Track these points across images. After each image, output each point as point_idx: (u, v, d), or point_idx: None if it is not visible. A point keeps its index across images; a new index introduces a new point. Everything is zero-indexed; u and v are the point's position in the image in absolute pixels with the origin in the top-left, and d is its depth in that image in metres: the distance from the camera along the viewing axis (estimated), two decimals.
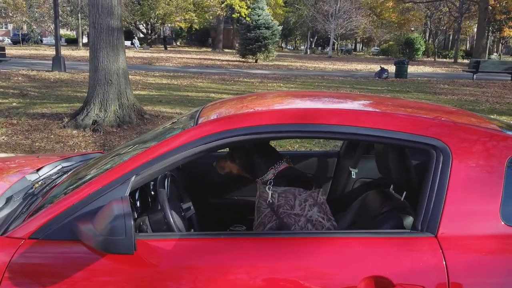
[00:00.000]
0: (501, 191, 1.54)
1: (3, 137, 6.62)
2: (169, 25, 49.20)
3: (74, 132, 6.99)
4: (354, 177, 2.81)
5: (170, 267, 1.44)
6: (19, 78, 13.90)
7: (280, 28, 27.29)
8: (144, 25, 47.76)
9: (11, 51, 27.00)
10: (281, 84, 15.08)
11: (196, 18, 40.55)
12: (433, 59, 39.50)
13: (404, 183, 1.89)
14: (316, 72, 21.40)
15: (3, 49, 16.18)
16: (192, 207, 2.17)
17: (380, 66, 19.45)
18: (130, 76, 15.13)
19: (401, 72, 18.36)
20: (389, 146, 1.87)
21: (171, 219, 1.77)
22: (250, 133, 1.62)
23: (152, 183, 2.08)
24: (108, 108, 7.32)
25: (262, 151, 2.21)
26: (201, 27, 47.51)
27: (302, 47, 53.05)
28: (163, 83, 14.25)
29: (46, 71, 15.90)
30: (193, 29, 45.27)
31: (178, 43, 53.61)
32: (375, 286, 1.44)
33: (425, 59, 38.81)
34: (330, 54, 41.13)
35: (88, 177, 1.75)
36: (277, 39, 27.18)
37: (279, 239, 1.55)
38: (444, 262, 1.45)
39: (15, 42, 44.38)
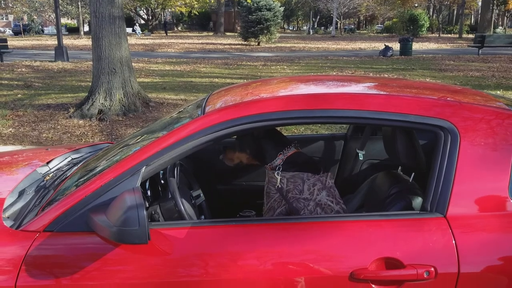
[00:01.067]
0: (510, 169, 1.54)
1: (10, 129, 6.67)
2: (169, 10, 48.82)
3: (80, 122, 7.03)
4: (362, 159, 2.82)
5: (182, 255, 1.47)
6: (23, 70, 13.92)
7: (282, 9, 27.01)
8: (145, 11, 47.44)
9: (13, 42, 26.96)
10: (285, 66, 15.00)
11: (196, 2, 40.18)
12: (437, 35, 39.03)
13: (412, 164, 1.90)
14: (319, 52, 21.24)
15: (5, 40, 16.16)
16: (201, 195, 2.19)
17: (385, 44, 19.26)
18: (133, 64, 15.10)
19: (406, 49, 18.18)
20: (396, 128, 1.88)
21: (182, 207, 1.79)
22: (257, 121, 1.63)
23: (162, 172, 2.10)
24: (113, 97, 7.33)
25: (270, 137, 2.22)
26: (202, 11, 47.13)
27: (305, 28, 52.54)
28: (166, 70, 14.22)
29: (49, 61, 15.90)
30: (194, 14, 44.90)
31: (179, 28, 53.27)
32: (385, 267, 1.46)
33: (429, 35, 38.36)
34: (333, 33, 40.73)
35: (99, 168, 1.77)
36: (279, 20, 26.93)
37: (288, 224, 1.57)
38: (454, 242, 1.47)
39: (16, 33, 44.28)
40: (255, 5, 25.30)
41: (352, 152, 2.95)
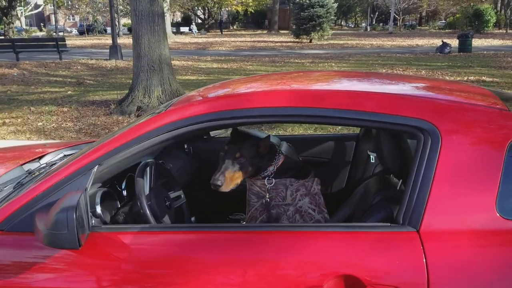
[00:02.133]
0: (499, 180, 1.32)
1: (53, 124, 6.95)
2: (226, 9, 49.41)
3: (119, 118, 7.20)
4: (373, 161, 2.62)
5: (122, 262, 1.38)
6: (78, 67, 14.56)
7: (335, 5, 26.42)
8: (202, 10, 48.29)
9: (75, 41, 28.41)
10: (333, 64, 14.66)
11: (251, 1, 40.31)
12: (504, 31, 36.66)
13: (397, 169, 1.70)
14: (373, 49, 20.59)
15: (63, 39, 16.98)
16: (182, 196, 2.10)
17: (442, 41, 18.31)
18: (182, 62, 15.50)
19: (464, 46, 17.19)
20: (380, 130, 1.69)
21: (147, 210, 1.71)
22: (216, 119, 1.51)
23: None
24: (151, 94, 7.45)
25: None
26: (258, 9, 47.25)
27: (363, 25, 51.16)
28: (213, 68, 14.34)
29: (104, 59, 16.53)
30: (249, 12, 45.11)
31: (234, 27, 53.76)
32: (344, 286, 1.30)
33: (496, 31, 36.09)
34: (390, 30, 39.39)
35: (60, 166, 1.73)
36: (332, 17, 26.34)
37: (241, 232, 1.44)
38: (424, 261, 1.28)
39: (81, 33, 46.62)
40: (307, 2, 24.93)
41: (364, 154, 2.76)
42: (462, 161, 1.35)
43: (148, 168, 1.88)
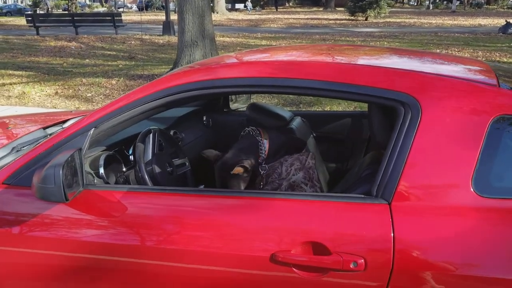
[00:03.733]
0: (477, 156, 1.30)
1: (101, 96, 7.28)
2: None
3: None
4: None
5: (108, 217, 1.49)
6: (132, 42, 15.02)
7: None
8: None
9: (133, 17, 29.18)
10: (385, 42, 14.19)
11: None
12: None
13: (385, 143, 1.68)
14: (431, 28, 19.68)
15: (119, 15, 17.52)
16: (187, 163, 2.18)
17: (506, 20, 17.18)
18: (232, 39, 15.59)
19: None
20: (371, 104, 1.67)
21: (145, 174, 1.81)
22: (207, 87, 1.56)
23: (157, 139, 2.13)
24: None
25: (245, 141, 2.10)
26: None
27: (427, 2, 48.77)
28: (262, 44, 14.31)
29: (157, 35, 16.92)
30: None
31: (290, 4, 52.98)
32: (312, 252, 1.34)
33: None
34: (453, 8, 37.32)
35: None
36: None
37: (220, 197, 1.49)
38: (392, 235, 1.29)
39: (140, 9, 47.75)
40: None
41: None
42: (441, 136, 1.33)
43: (151, 134, 1.97)
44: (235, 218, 1.41)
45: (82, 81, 8.41)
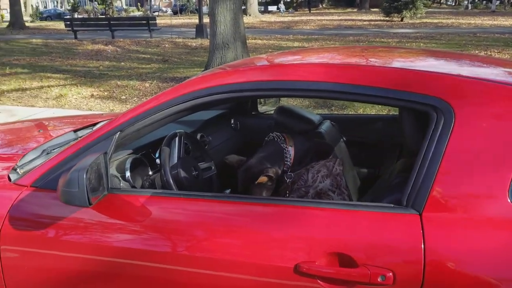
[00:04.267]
0: None
1: (134, 98, 7.40)
2: None
3: None
4: None
5: (132, 221, 1.48)
6: (166, 45, 15.24)
7: None
8: None
9: (167, 20, 29.69)
10: (422, 44, 13.86)
11: None
12: None
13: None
14: (469, 29, 19.08)
15: (153, 19, 17.80)
16: (213, 167, 2.16)
17: None
18: (264, 41, 15.60)
19: None
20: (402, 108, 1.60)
21: (170, 178, 1.80)
22: (230, 91, 1.54)
23: (183, 143, 2.12)
24: None
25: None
26: None
27: (465, 2, 47.43)
28: (294, 46, 14.24)
29: (191, 38, 17.12)
30: None
31: (323, 5, 52.63)
32: (338, 264, 1.28)
33: None
34: (493, 8, 36.10)
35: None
36: None
37: (244, 204, 1.46)
38: (423, 246, 1.22)
39: (175, 12, 48.59)
40: None
41: None
42: (475, 143, 1.25)
43: (177, 138, 1.96)
44: (261, 226, 1.37)
45: (117, 84, 8.58)
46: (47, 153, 2.04)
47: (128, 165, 1.86)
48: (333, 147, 1.96)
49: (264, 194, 1.81)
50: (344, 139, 2.63)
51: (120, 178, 1.84)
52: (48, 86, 8.58)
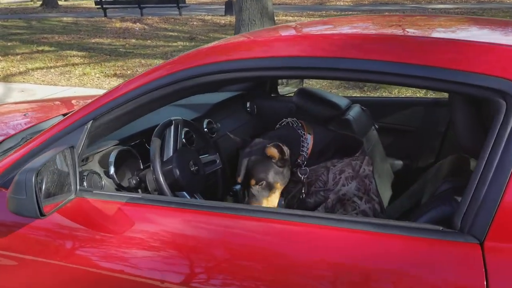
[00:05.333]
0: None
1: None
2: None
3: None
4: None
5: (99, 236, 1.18)
6: (194, 23, 14.90)
7: None
8: None
9: None
10: None
11: None
12: None
13: (472, 150, 1.22)
14: None
15: None
16: (218, 161, 1.83)
17: None
18: (295, 17, 15.00)
19: None
20: (455, 95, 1.22)
21: (160, 176, 1.48)
22: (252, 68, 1.20)
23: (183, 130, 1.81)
24: None
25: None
26: None
27: None
28: None
29: (220, 15, 16.69)
30: None
31: None
32: None
33: None
34: None
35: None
36: None
37: (239, 218, 1.13)
38: (485, 284, 0.86)
39: None
40: None
41: None
42: None
43: (172, 126, 1.64)
44: (269, 246, 1.05)
45: (140, 62, 8.35)
46: (26, 141, 1.76)
47: (112, 159, 1.56)
48: (361, 141, 1.59)
49: (268, 176, 1.45)
50: (377, 127, 2.25)
51: (103, 175, 1.54)
52: (73, 65, 8.44)
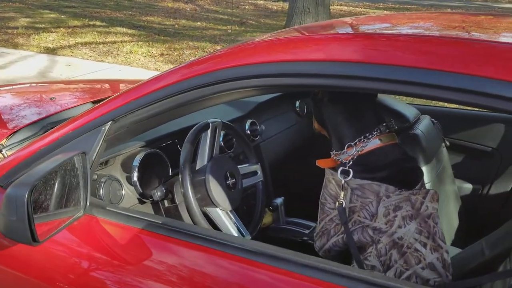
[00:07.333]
0: None
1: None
2: None
3: None
4: None
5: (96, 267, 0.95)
6: (246, 7, 14.62)
7: None
8: None
9: None
10: None
11: None
12: None
13: None
14: None
15: None
16: (259, 172, 1.57)
17: None
18: (351, 8, 14.45)
19: None
20: None
21: (189, 190, 1.23)
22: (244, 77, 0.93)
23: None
24: None
25: (350, 106, 1.34)
26: None
27: None
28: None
29: (273, 1, 16.33)
30: None
31: None
32: None
33: None
34: None
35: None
36: None
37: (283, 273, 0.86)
38: None
39: None
40: None
41: None
42: None
43: (209, 130, 1.39)
44: None
45: (188, 44, 8.19)
46: (46, 131, 1.56)
47: (137, 163, 1.33)
48: (422, 172, 1.27)
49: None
50: (447, 144, 1.92)
51: (124, 181, 1.31)
52: (121, 42, 8.38)
